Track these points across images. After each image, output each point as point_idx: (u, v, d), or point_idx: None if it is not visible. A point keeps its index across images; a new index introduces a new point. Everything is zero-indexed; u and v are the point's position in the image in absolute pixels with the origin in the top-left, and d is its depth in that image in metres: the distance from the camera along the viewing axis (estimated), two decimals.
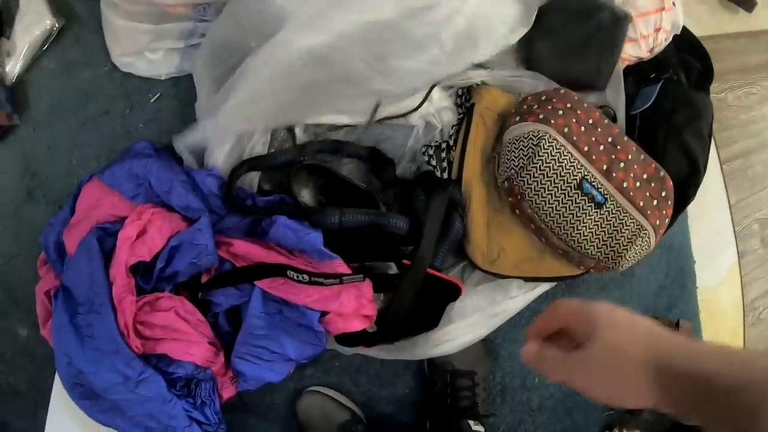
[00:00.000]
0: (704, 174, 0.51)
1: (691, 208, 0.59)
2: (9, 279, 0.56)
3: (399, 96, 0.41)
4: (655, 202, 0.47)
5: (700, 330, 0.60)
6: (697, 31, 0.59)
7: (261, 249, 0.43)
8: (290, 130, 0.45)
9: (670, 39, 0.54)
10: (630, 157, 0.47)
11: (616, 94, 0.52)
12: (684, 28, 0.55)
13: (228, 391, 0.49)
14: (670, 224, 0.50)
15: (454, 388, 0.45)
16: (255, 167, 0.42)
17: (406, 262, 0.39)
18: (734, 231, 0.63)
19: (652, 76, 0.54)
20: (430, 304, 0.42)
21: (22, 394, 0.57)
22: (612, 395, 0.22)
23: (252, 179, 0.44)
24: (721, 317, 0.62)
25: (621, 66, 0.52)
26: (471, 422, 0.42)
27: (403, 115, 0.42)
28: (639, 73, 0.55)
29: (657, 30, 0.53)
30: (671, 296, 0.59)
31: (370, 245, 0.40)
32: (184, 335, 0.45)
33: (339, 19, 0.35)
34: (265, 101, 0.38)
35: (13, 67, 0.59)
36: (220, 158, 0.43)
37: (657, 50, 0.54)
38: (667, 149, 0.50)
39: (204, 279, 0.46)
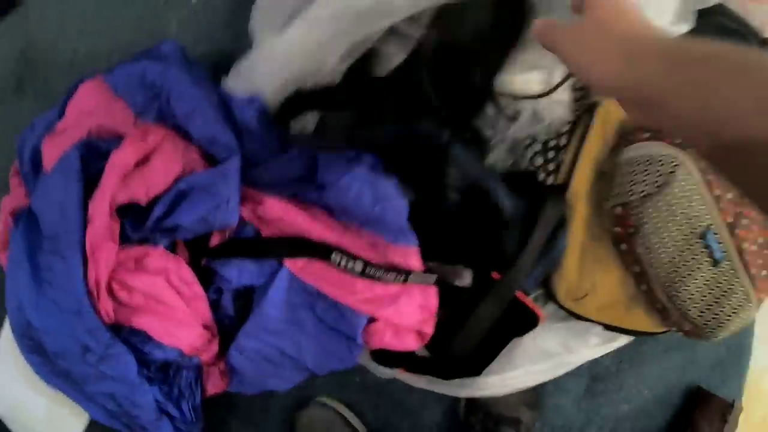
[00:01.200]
0: None
1: None
2: None
3: None
4: (764, 272, 0.34)
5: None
6: None
7: (302, 214, 0.27)
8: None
9: None
10: (753, 215, 0.34)
11: None
12: None
13: (214, 387, 0.34)
14: None
15: None
16: (320, 103, 0.25)
17: (495, 275, 0.25)
18: None
19: None
20: (499, 335, 0.28)
21: None
22: (585, 62, 0.19)
23: (305, 125, 0.28)
24: (759, 401, 0.51)
25: None
26: None
27: (531, 97, 0.27)
28: None
29: None
30: (725, 371, 0.46)
31: (452, 235, 0.25)
32: (173, 311, 0.29)
33: None
34: (348, 14, 0.23)
35: None
36: (272, 83, 0.26)
37: None
38: None
39: (214, 242, 0.30)
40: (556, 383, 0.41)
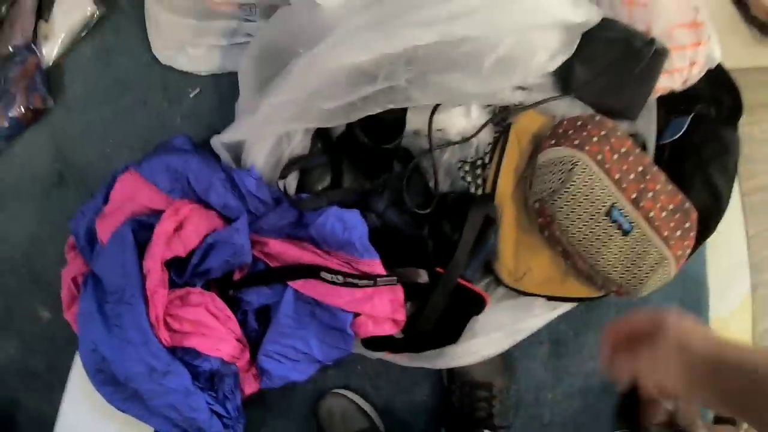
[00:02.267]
0: (726, 208, 0.53)
1: (711, 238, 0.62)
2: (33, 261, 0.55)
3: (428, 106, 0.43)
4: (678, 233, 0.48)
5: None
6: (729, 64, 0.60)
7: (295, 248, 0.43)
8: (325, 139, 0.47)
9: (704, 73, 0.56)
10: (658, 187, 0.48)
11: (647, 124, 0.53)
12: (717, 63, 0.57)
13: (250, 388, 0.50)
14: (690, 255, 0.52)
15: (472, 398, 0.46)
16: (304, 167, 0.43)
17: (439, 270, 0.41)
18: (750, 263, 0.65)
19: (683, 107, 0.56)
20: (456, 315, 0.44)
21: (39, 375, 0.58)
22: (669, 382, 0.26)
23: (290, 184, 0.46)
24: None
25: (654, 96, 0.54)
26: None
27: (458, 142, 0.44)
28: (670, 105, 0.57)
29: (692, 64, 0.54)
30: None
31: (403, 250, 0.42)
32: (213, 331, 0.46)
33: (384, 41, 0.36)
34: (305, 104, 0.40)
35: (51, 51, 0.59)
36: (260, 158, 0.42)
37: (690, 83, 0.55)
38: (693, 182, 0.52)
39: (236, 277, 0.47)
40: (522, 350, 0.55)
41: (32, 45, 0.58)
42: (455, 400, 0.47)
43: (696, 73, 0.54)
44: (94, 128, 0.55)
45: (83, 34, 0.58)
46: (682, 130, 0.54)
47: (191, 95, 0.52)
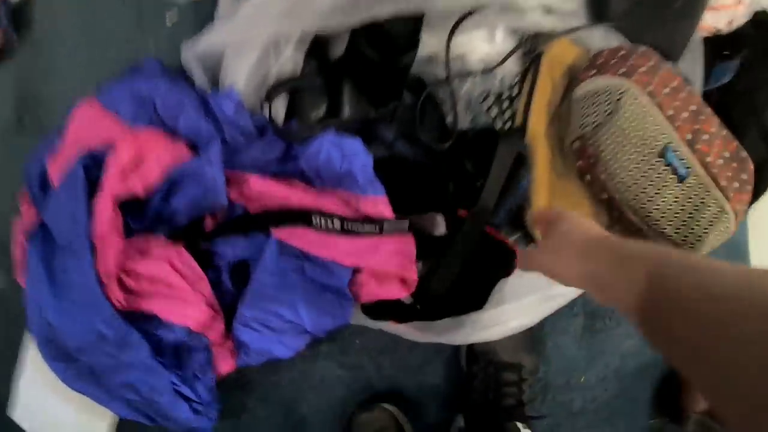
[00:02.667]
0: None
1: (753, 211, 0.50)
2: None
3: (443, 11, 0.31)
4: (736, 184, 0.37)
5: None
6: None
7: (281, 187, 0.32)
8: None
9: (750, 15, 0.45)
10: (713, 130, 0.37)
11: (693, 66, 0.42)
12: (764, 10, 0.46)
13: (226, 365, 0.38)
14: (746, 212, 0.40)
15: (499, 382, 0.35)
16: (294, 87, 0.31)
17: (462, 213, 0.29)
18: None
19: (726, 53, 0.45)
20: (481, 274, 0.32)
21: None
22: (554, 268, 0.24)
23: (277, 111, 0.34)
24: None
25: (699, 36, 0.43)
26: (519, 425, 0.31)
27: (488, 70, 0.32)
28: (715, 48, 0.46)
29: (739, 2, 0.43)
30: None
31: (417, 190, 0.29)
32: (178, 292, 0.33)
33: None
34: (296, 1, 0.28)
35: None
36: (241, 76, 0.32)
37: (735, 24, 0.45)
38: (746, 130, 0.41)
39: (208, 226, 0.35)
40: (554, 324, 0.43)
41: None
42: (478, 384, 0.35)
43: (742, 14, 0.43)
44: (60, 65, 0.46)
45: None
46: (730, 76, 0.42)
47: (168, 23, 0.41)
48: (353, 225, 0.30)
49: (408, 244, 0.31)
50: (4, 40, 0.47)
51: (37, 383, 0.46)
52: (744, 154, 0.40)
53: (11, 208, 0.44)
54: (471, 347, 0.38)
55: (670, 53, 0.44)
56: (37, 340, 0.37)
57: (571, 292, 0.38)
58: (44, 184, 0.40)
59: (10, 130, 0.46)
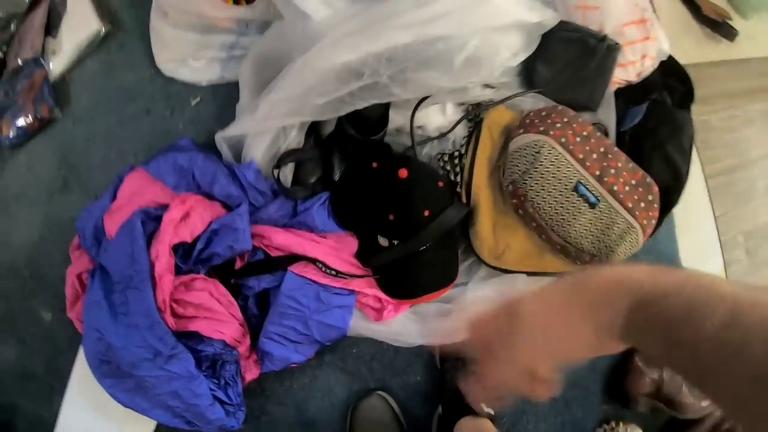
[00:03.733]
0: (686, 182, 0.62)
1: (679, 219, 0.70)
2: (38, 263, 0.61)
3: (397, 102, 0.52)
4: (642, 204, 0.57)
5: None
6: (684, 60, 0.71)
7: (292, 237, 0.50)
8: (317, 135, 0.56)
9: (657, 65, 0.67)
10: (620, 165, 0.57)
11: (607, 113, 0.63)
12: (669, 56, 0.68)
13: (251, 374, 0.56)
14: (657, 226, 0.60)
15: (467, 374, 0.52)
16: (298, 158, 0.51)
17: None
18: (720, 241, 0.74)
19: (640, 97, 0.67)
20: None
21: (39, 377, 0.62)
22: (558, 352, 0.25)
23: (287, 175, 0.54)
24: None
25: (612, 88, 0.64)
26: (484, 406, 0.50)
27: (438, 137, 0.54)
28: (628, 95, 0.67)
29: (643, 57, 0.65)
30: None
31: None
32: (216, 314, 0.52)
33: (368, 42, 0.46)
34: (301, 100, 0.48)
35: (58, 65, 0.67)
36: (259, 152, 0.50)
37: (644, 74, 0.66)
38: (652, 160, 0.61)
39: (238, 265, 0.55)
40: None
41: (40, 59, 0.67)
42: (449, 378, 0.54)
43: (649, 65, 0.65)
44: (99, 136, 0.62)
45: (90, 49, 0.67)
46: (640, 117, 0.64)
47: (193, 104, 0.61)
48: (344, 275, 0.49)
49: (372, 285, 0.52)
50: (49, 113, 0.68)
51: (82, 406, 0.63)
52: (649, 180, 0.59)
53: (60, 256, 0.63)
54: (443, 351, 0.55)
55: (590, 106, 0.65)
56: (91, 360, 0.54)
57: None
58: (97, 236, 0.59)
59: (57, 191, 0.62)
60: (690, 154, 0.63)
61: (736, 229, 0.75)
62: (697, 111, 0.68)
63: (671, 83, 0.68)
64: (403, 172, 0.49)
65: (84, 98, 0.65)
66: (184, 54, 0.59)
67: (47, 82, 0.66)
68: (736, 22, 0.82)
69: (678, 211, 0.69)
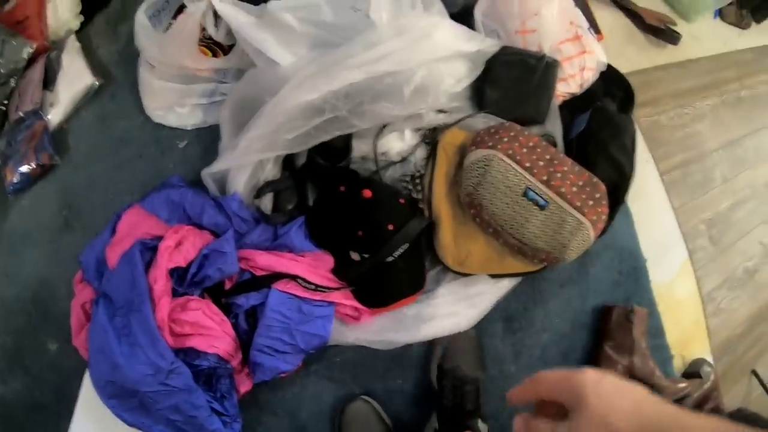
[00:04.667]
0: (632, 177, 0.73)
1: (638, 215, 0.81)
2: (43, 298, 0.71)
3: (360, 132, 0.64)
4: (591, 202, 0.67)
5: (659, 320, 0.79)
6: (630, 67, 0.84)
7: (275, 258, 0.62)
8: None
9: (597, 75, 0.80)
10: (566, 169, 0.68)
11: (554, 124, 0.75)
12: (608, 65, 0.80)
13: (245, 386, 0.66)
14: (609, 221, 0.71)
15: (463, 393, 0.61)
16: (275, 188, 0.62)
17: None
18: (682, 231, 0.84)
19: (584, 106, 0.79)
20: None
21: (47, 406, 0.72)
22: None
23: (266, 203, 0.66)
24: (680, 309, 0.82)
25: (557, 102, 0.77)
26: (479, 422, 0.59)
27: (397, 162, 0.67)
28: (574, 105, 0.80)
29: (582, 69, 0.78)
30: (627, 290, 0.78)
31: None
32: (210, 330, 0.63)
33: (327, 82, 0.58)
34: (273, 136, 0.60)
35: (56, 116, 0.81)
36: (241, 184, 0.61)
37: (586, 85, 0.79)
38: (597, 162, 0.72)
39: (227, 286, 0.66)
40: (480, 330, 0.72)
41: (40, 111, 0.80)
42: (446, 395, 0.62)
43: (589, 76, 0.78)
44: (97, 180, 0.74)
45: (85, 101, 0.80)
46: (584, 124, 0.76)
47: (180, 146, 0.74)
48: (323, 289, 0.59)
49: (349, 296, 0.62)
50: (49, 160, 0.81)
51: (88, 429, 0.73)
52: (595, 180, 0.70)
53: (63, 290, 0.74)
54: (440, 366, 0.64)
55: (537, 119, 0.78)
56: (98, 382, 0.64)
57: (485, 293, 0.68)
58: (99, 268, 0.71)
59: (59, 231, 0.74)
60: (633, 152, 0.75)
61: (697, 218, 0.86)
62: (646, 113, 0.81)
63: (612, 90, 0.80)
64: (367, 193, 0.60)
65: (82, 145, 0.78)
66: (171, 102, 0.72)
67: (47, 132, 0.79)
68: (681, 26, 0.96)
69: (636, 208, 0.80)
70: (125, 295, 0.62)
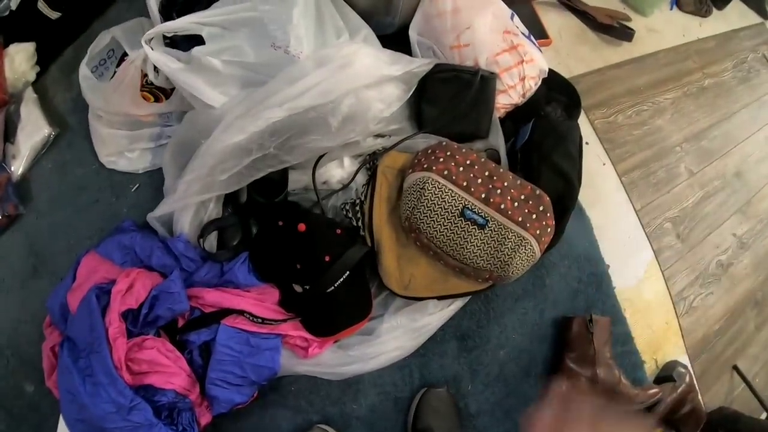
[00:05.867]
0: (579, 185, 0.76)
1: (597, 220, 0.83)
2: (17, 342, 0.81)
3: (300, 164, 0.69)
4: (534, 216, 0.70)
5: (626, 326, 0.81)
6: (582, 68, 0.86)
7: (222, 294, 0.69)
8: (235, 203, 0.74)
9: (539, 83, 0.82)
10: (506, 184, 0.71)
11: (496, 138, 0.78)
12: (551, 71, 0.82)
13: (205, 418, 0.72)
14: (559, 233, 0.73)
15: None
16: (218, 226, 0.69)
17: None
18: (646, 233, 0.85)
19: (529, 116, 0.81)
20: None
21: None
22: None
23: (212, 242, 0.71)
24: (649, 311, 0.83)
25: (498, 114, 0.80)
26: None
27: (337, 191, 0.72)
28: (519, 116, 0.82)
29: (522, 79, 0.80)
30: (588, 299, 0.80)
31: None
32: (166, 368, 0.69)
33: (251, 123, 0.63)
34: (207, 178, 0.66)
35: (18, 167, 0.89)
36: (186, 225, 0.69)
37: (529, 94, 0.82)
38: (541, 172, 0.75)
39: (180, 324, 0.71)
40: (433, 350, 0.75)
41: (2, 164, 0.88)
42: None
43: (531, 85, 0.80)
44: (59, 226, 0.83)
45: (43, 151, 0.87)
46: (527, 134, 0.79)
47: (133, 190, 0.81)
48: (269, 321, 0.65)
49: (298, 327, 0.68)
50: (15, 210, 0.88)
51: None
52: (539, 192, 0.73)
53: (36, 334, 0.81)
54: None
55: (479, 134, 0.80)
56: (68, 421, 0.72)
57: (432, 324, 0.71)
58: (64, 313, 0.77)
59: (28, 277, 0.83)
60: (579, 159, 0.77)
61: (662, 217, 0.87)
62: (602, 114, 0.83)
63: (557, 97, 0.83)
64: (302, 226, 0.65)
65: (44, 194, 0.85)
66: (120, 148, 0.78)
67: (11, 183, 0.87)
68: (638, 20, 0.97)
69: (595, 213, 0.82)
70: (85, 338, 0.69)
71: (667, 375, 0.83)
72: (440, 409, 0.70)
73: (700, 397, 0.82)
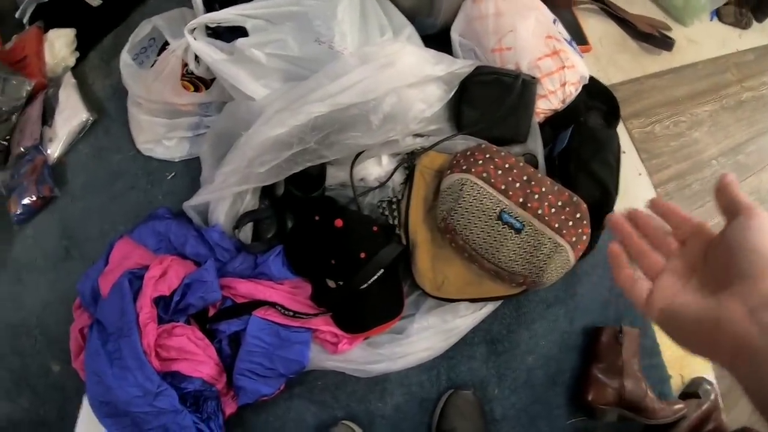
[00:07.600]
0: (616, 195, 0.74)
1: None
2: (46, 322, 0.80)
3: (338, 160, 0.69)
4: (570, 223, 0.68)
5: (654, 339, 0.79)
6: (621, 77, 0.85)
7: (255, 286, 0.68)
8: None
9: (579, 89, 0.80)
10: (544, 189, 0.70)
11: (535, 143, 0.77)
12: (591, 78, 0.81)
13: (230, 408, 0.71)
14: (594, 240, 0.72)
15: None
16: (254, 218, 0.68)
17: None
18: None
19: (568, 122, 0.80)
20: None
21: (51, 424, 0.80)
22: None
23: (247, 233, 0.71)
24: None
25: (537, 119, 0.78)
26: None
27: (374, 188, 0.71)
28: (558, 122, 0.81)
29: (563, 84, 0.79)
30: (618, 309, 0.79)
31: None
32: (195, 356, 0.68)
33: (293, 116, 0.62)
34: (246, 170, 0.66)
35: (54, 150, 0.89)
36: (222, 215, 0.68)
37: (569, 100, 0.80)
38: (578, 180, 0.74)
39: (211, 313, 0.71)
40: (462, 352, 0.74)
41: (39, 146, 0.88)
42: None
43: (571, 91, 0.79)
44: (93, 210, 0.83)
45: (80, 135, 0.88)
46: (566, 141, 0.77)
47: (169, 178, 0.80)
48: (301, 315, 0.64)
49: (328, 322, 0.67)
50: (50, 192, 0.89)
51: None
52: (576, 199, 0.72)
53: (65, 315, 0.81)
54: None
55: (518, 138, 0.79)
56: (93, 402, 0.72)
57: (463, 327, 0.70)
58: (95, 296, 0.77)
59: (61, 259, 0.83)
60: (617, 168, 0.75)
61: None
62: (639, 123, 0.81)
63: (597, 104, 0.81)
64: (339, 222, 0.64)
65: (79, 178, 0.85)
66: (158, 136, 0.78)
67: (47, 166, 0.87)
68: (678, 30, 0.95)
69: None
70: (115, 322, 0.68)
71: (692, 391, 0.81)
72: (466, 411, 0.69)
73: (723, 415, 0.80)
